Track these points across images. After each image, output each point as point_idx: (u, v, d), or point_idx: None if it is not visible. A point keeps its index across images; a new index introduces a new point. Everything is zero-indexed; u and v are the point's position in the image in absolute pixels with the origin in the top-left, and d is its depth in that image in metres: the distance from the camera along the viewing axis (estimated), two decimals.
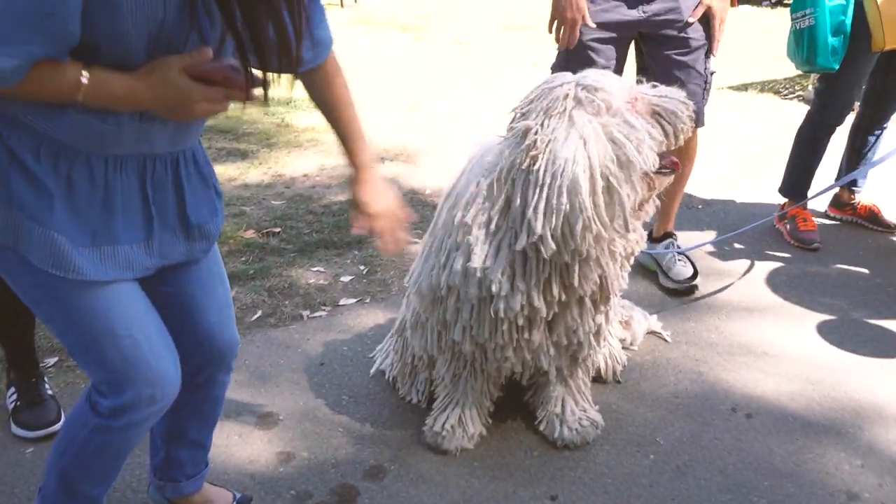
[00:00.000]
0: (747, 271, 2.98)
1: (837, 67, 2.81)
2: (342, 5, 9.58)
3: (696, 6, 2.47)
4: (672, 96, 1.68)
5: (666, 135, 1.66)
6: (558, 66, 2.59)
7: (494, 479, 1.92)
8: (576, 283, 1.70)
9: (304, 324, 2.63)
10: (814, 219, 3.24)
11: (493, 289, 1.69)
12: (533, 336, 1.80)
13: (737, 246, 3.19)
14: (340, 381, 2.31)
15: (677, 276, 2.75)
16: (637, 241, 1.80)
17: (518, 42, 7.39)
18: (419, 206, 3.61)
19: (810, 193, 3.16)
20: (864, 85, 3.08)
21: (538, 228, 1.60)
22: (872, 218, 3.29)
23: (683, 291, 2.74)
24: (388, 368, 2.26)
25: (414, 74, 6.15)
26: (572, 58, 2.48)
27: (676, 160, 1.71)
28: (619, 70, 2.54)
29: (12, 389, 2.12)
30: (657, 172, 1.65)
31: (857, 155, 3.25)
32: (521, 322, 1.75)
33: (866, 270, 2.96)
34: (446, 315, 1.82)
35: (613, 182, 1.58)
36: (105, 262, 1.29)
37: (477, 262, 1.68)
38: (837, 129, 3.13)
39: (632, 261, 1.84)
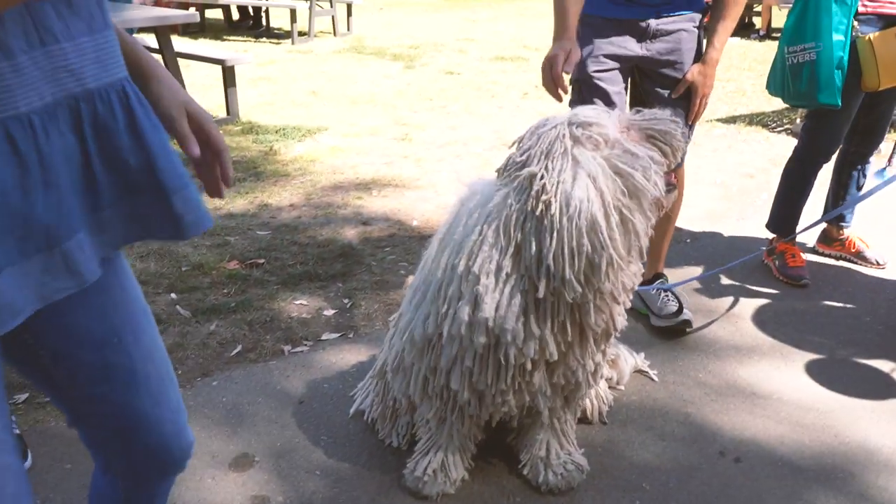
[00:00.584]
0: (736, 308, 2.95)
1: (841, 104, 2.78)
2: (335, 33, 9.64)
3: (680, 82, 2.49)
4: (660, 117, 1.68)
5: (664, 155, 1.66)
6: (573, 102, 2.60)
7: None
8: (592, 321, 1.67)
9: (285, 359, 2.58)
10: (802, 255, 3.22)
11: (508, 338, 1.65)
12: (534, 378, 1.75)
13: (725, 282, 3.16)
14: (319, 420, 2.25)
15: (670, 318, 2.70)
16: (636, 273, 1.77)
17: (509, 72, 7.44)
18: (406, 236, 3.57)
19: (798, 229, 3.14)
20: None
21: (560, 272, 1.57)
22: (860, 255, 3.28)
23: (675, 331, 2.69)
24: (368, 409, 2.20)
25: (405, 103, 6.16)
26: (584, 89, 2.48)
27: (674, 179, 1.72)
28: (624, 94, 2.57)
29: None
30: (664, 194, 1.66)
31: (843, 190, 3.25)
32: (528, 366, 1.71)
33: (855, 307, 2.94)
34: (440, 362, 1.77)
35: (626, 213, 1.57)
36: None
37: (489, 311, 1.64)
38: (824, 164, 3.13)
39: (631, 295, 1.81)
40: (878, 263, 3.25)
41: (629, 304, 1.79)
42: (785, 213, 3.22)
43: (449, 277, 1.74)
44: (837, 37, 2.73)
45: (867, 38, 2.72)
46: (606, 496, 1.95)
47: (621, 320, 1.78)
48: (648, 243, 1.69)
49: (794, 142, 3.32)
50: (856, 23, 2.76)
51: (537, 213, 1.57)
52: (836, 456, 2.12)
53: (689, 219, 3.82)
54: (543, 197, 1.55)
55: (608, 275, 1.58)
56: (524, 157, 1.63)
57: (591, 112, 1.64)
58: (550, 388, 1.81)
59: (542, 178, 1.56)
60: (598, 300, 1.64)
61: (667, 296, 2.75)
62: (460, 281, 1.70)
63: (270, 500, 1.93)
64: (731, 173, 4.55)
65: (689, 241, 3.58)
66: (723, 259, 3.34)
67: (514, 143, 1.68)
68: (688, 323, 2.68)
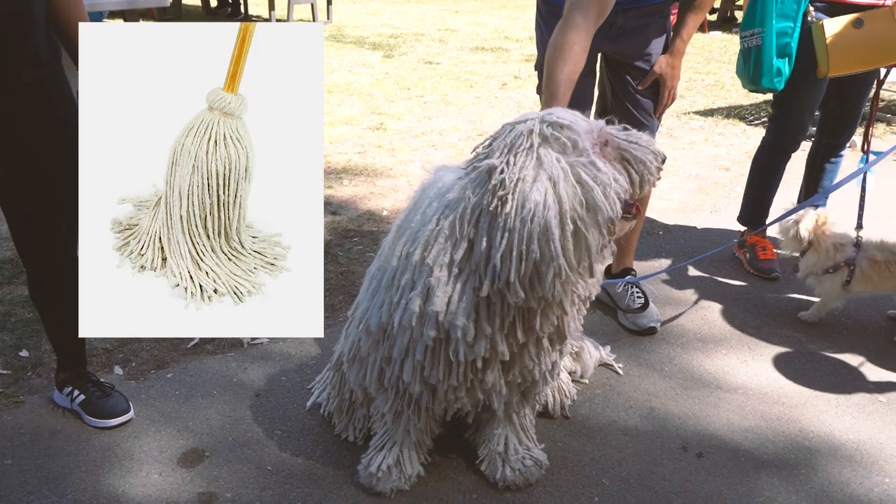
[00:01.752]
0: (704, 301, 2.91)
1: (781, 88, 2.81)
2: (314, 21, 9.51)
3: (647, 74, 2.44)
4: (642, 143, 1.59)
5: (632, 183, 1.57)
6: (539, 88, 2.55)
7: None
8: (537, 327, 1.61)
9: (244, 351, 2.51)
10: (773, 249, 3.19)
11: (458, 334, 1.59)
12: (487, 376, 1.70)
13: (694, 274, 3.13)
14: (275, 414, 2.18)
15: (635, 319, 2.64)
16: (595, 284, 1.71)
17: (488, 63, 7.37)
18: (375, 226, 3.51)
19: (768, 221, 3.11)
20: (817, 112, 3.06)
21: (505, 275, 1.50)
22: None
23: (641, 333, 2.65)
24: (325, 402, 2.14)
25: (382, 93, 6.08)
26: None
27: (636, 204, 1.61)
28: (592, 73, 2.49)
29: (69, 388, 2.14)
30: (621, 218, 1.56)
31: (814, 184, 3.22)
32: (479, 364, 1.66)
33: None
34: (393, 352, 1.72)
35: (581, 226, 1.49)
36: None
37: (440, 305, 1.58)
38: (794, 156, 3.10)
39: (588, 304, 1.75)
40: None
41: (584, 312, 1.74)
42: (754, 204, 3.20)
43: (403, 266, 1.69)
44: (785, 23, 2.73)
45: (820, 23, 2.71)
46: (565, 492, 1.91)
47: (576, 326, 1.73)
48: (601, 263, 1.62)
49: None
50: (812, 9, 2.75)
51: (491, 208, 1.50)
52: (799, 451, 2.08)
53: (663, 211, 3.79)
54: (500, 192, 1.49)
55: (554, 284, 1.51)
56: (489, 149, 1.57)
57: (568, 115, 1.57)
58: (506, 386, 1.76)
59: (501, 172, 1.50)
60: (545, 307, 1.59)
61: (634, 291, 2.70)
62: (414, 270, 1.64)
63: (218, 496, 1.86)
64: (707, 166, 4.52)
65: (661, 233, 3.55)
66: (695, 252, 3.31)
67: (486, 137, 1.62)
68: (653, 330, 2.63)
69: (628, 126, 1.62)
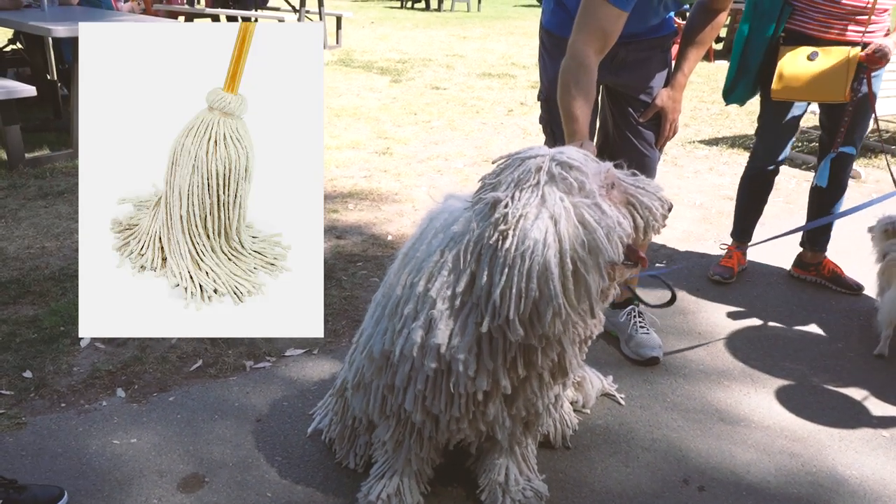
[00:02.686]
0: (708, 332, 2.91)
1: (740, 104, 3.11)
2: (324, 46, 9.63)
3: (649, 107, 2.47)
4: (649, 189, 1.59)
5: (636, 229, 1.57)
6: (542, 118, 2.61)
7: None
8: (538, 363, 1.62)
9: (246, 375, 2.51)
10: (744, 260, 3.42)
11: (459, 368, 1.59)
12: (489, 409, 1.70)
13: (698, 304, 3.13)
14: (276, 439, 2.18)
15: (638, 349, 2.65)
16: (596, 324, 1.72)
17: (495, 89, 7.44)
18: (379, 251, 3.53)
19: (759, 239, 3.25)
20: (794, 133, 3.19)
21: (505, 311, 1.50)
22: (836, 279, 3.26)
23: (644, 363, 2.65)
24: (326, 429, 2.14)
25: (388, 117, 6.14)
26: (553, 108, 2.44)
27: (643, 256, 1.60)
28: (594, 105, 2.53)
29: None
30: (622, 264, 1.56)
31: (813, 211, 3.30)
32: (480, 397, 1.66)
33: (828, 334, 2.91)
34: (395, 380, 1.72)
35: (581, 267, 1.48)
36: None
37: (441, 338, 1.58)
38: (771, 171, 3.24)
39: (590, 343, 1.76)
40: (856, 288, 3.23)
41: (585, 350, 1.75)
42: (740, 221, 3.38)
43: (407, 295, 1.69)
44: (751, 46, 2.96)
45: (782, 47, 2.91)
46: None
47: (577, 363, 1.73)
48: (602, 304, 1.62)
49: (788, 169, 3.33)
50: (784, 35, 2.93)
51: (492, 242, 1.51)
52: (802, 485, 2.07)
53: (667, 240, 3.79)
54: (501, 227, 1.49)
55: (554, 324, 1.51)
56: (496, 181, 1.58)
57: (578, 156, 1.56)
58: (509, 418, 1.76)
59: (505, 206, 1.50)
60: (546, 345, 1.59)
61: (637, 321, 2.70)
62: (417, 301, 1.65)
63: None
64: (711, 195, 4.53)
65: (665, 262, 3.55)
66: (698, 280, 3.32)
67: (496, 161, 1.63)
68: (656, 360, 2.63)
69: (636, 172, 1.63)
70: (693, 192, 4.56)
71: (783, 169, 3.54)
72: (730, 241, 3.46)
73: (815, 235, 3.28)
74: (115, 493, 1.94)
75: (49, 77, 5.69)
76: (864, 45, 2.84)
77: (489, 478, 1.93)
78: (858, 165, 5.02)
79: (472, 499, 1.95)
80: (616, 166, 1.62)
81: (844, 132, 2.98)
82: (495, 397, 1.69)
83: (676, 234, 3.89)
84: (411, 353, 1.63)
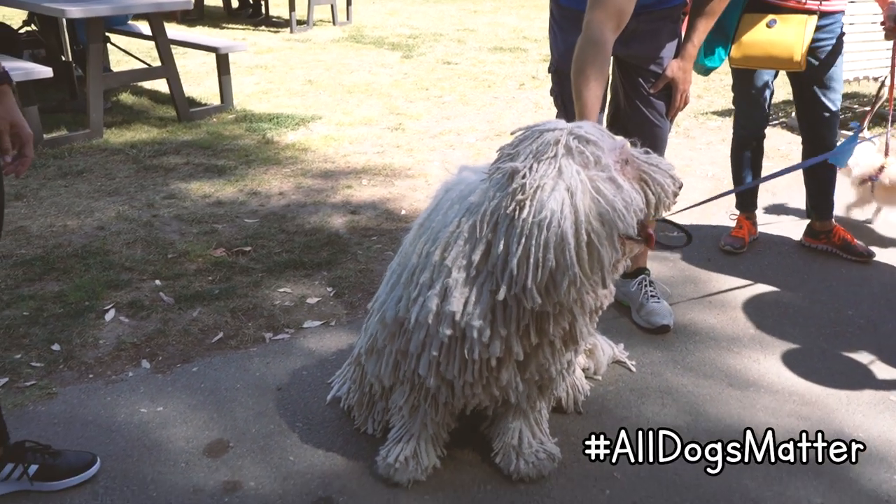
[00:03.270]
0: (717, 299, 2.95)
1: (710, 67, 3.05)
2: (334, 22, 9.61)
3: (659, 78, 2.49)
4: (662, 167, 1.63)
5: (647, 204, 1.61)
6: (553, 91, 2.64)
7: None
8: (550, 330, 1.67)
9: (266, 346, 2.59)
10: (759, 230, 3.45)
11: (474, 335, 1.65)
12: (503, 374, 1.76)
13: (709, 272, 3.16)
14: (296, 407, 2.26)
15: (649, 318, 2.69)
16: (607, 295, 1.76)
17: (506, 63, 7.41)
18: (393, 225, 3.58)
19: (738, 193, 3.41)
20: (766, 100, 3.20)
21: (522, 280, 1.55)
22: (846, 247, 3.27)
23: (654, 331, 2.69)
24: (345, 396, 2.21)
25: (400, 93, 6.15)
26: (564, 79, 2.47)
27: (651, 233, 1.64)
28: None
29: (9, 466, 1.87)
30: (632, 238, 1.60)
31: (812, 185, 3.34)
32: (493, 363, 1.72)
33: (838, 301, 2.93)
34: (410, 346, 1.78)
35: (595, 239, 1.53)
36: None
37: (456, 306, 1.64)
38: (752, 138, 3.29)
39: (601, 312, 1.81)
40: (866, 255, 3.25)
41: (596, 320, 1.79)
42: (734, 184, 3.45)
43: (423, 264, 1.75)
44: (727, 10, 2.85)
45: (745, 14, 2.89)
46: (577, 485, 1.96)
47: (587, 332, 1.78)
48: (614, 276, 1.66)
49: (788, 135, 3.35)
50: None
51: (509, 211, 1.55)
52: (810, 448, 2.11)
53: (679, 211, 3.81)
54: (519, 196, 1.54)
55: (569, 292, 1.55)
56: (514, 151, 1.62)
57: (595, 131, 1.61)
58: (523, 383, 1.82)
59: (523, 176, 1.55)
60: (558, 312, 1.64)
61: (648, 290, 2.74)
62: (433, 270, 1.70)
63: (242, 484, 1.94)
64: (723, 166, 4.51)
65: (675, 233, 3.57)
66: (709, 251, 3.35)
67: (514, 132, 1.67)
68: (666, 328, 2.67)
69: (649, 150, 1.66)
70: (705, 164, 4.57)
71: (781, 134, 3.57)
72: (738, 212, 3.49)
73: (818, 203, 3.30)
74: (145, 458, 2.03)
75: (64, 58, 5.74)
76: (822, 14, 2.86)
77: (503, 441, 2.00)
78: (871, 134, 4.99)
79: (487, 461, 2.02)
80: (631, 143, 1.65)
81: (871, 111, 2.96)
82: (508, 363, 1.74)
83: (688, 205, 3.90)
84: (426, 320, 1.69)
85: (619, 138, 1.66)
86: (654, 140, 2.62)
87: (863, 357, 2.55)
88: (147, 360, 2.49)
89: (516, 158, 1.59)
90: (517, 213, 1.54)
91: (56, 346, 2.53)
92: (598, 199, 1.52)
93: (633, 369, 2.46)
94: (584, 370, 2.32)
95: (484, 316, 1.64)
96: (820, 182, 3.26)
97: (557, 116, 2.70)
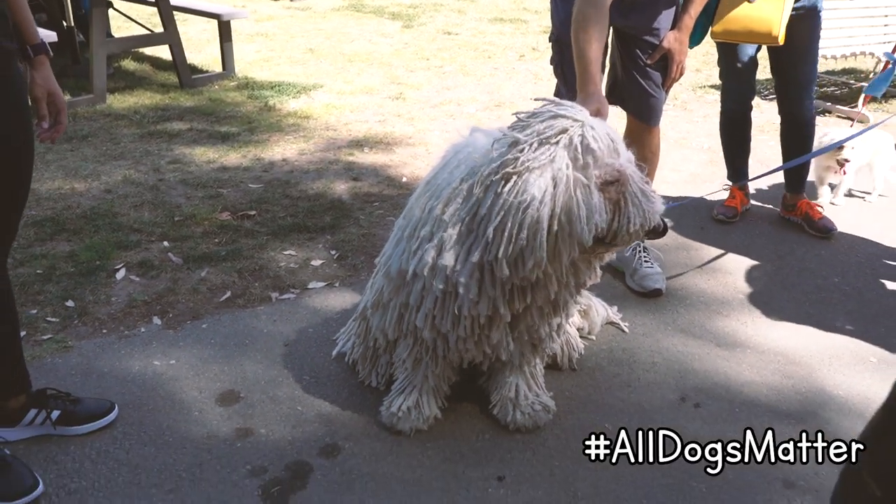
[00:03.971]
0: (709, 266, 3.04)
1: (694, 44, 3.04)
2: None
3: (656, 49, 2.54)
4: (645, 205, 1.63)
5: (608, 229, 1.63)
6: (553, 60, 2.71)
7: (446, 460, 1.97)
8: (528, 300, 1.77)
9: (272, 305, 2.68)
10: (751, 201, 3.55)
11: (461, 291, 1.74)
12: (493, 333, 1.85)
13: (701, 238, 3.26)
14: (303, 362, 2.36)
15: (642, 282, 2.79)
16: (591, 276, 1.85)
17: (506, 34, 7.42)
18: (395, 192, 3.65)
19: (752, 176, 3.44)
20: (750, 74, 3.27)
21: (495, 250, 1.65)
22: (808, 220, 3.36)
23: (647, 295, 2.79)
24: (350, 351, 2.31)
25: (401, 62, 6.17)
26: (565, 49, 2.53)
27: (664, 223, 1.70)
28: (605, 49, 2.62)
29: (33, 412, 1.94)
30: (603, 245, 1.67)
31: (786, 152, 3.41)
32: (482, 321, 1.81)
33: (824, 269, 3.03)
34: (410, 299, 1.87)
35: (559, 233, 1.62)
36: None
37: (449, 260, 1.73)
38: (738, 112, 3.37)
39: (583, 292, 1.90)
40: (824, 231, 3.29)
41: (580, 294, 1.89)
42: (728, 162, 3.54)
43: (425, 219, 1.83)
44: None
45: None
46: (570, 435, 2.07)
47: (571, 302, 1.88)
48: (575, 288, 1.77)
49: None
50: None
51: (496, 178, 1.63)
52: (791, 403, 2.23)
53: (674, 182, 3.90)
54: (509, 168, 1.61)
55: (533, 272, 1.64)
56: (526, 122, 1.67)
57: (603, 140, 1.62)
58: (514, 342, 1.91)
59: (520, 150, 1.62)
60: (535, 288, 1.73)
61: (642, 255, 2.84)
62: (433, 224, 1.79)
63: (254, 431, 2.05)
64: (719, 139, 4.59)
65: (670, 203, 3.65)
66: (703, 221, 3.44)
67: (538, 99, 1.72)
68: (659, 292, 2.77)
69: (649, 180, 1.70)
70: (701, 136, 4.64)
71: (773, 107, 3.64)
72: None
73: (790, 177, 3.38)
74: (160, 407, 2.13)
75: (66, 24, 5.75)
76: None
77: (501, 394, 2.10)
78: (867, 110, 5.06)
79: (485, 413, 2.13)
80: (639, 167, 1.67)
81: None
82: (498, 323, 1.83)
83: (683, 177, 3.99)
84: (423, 272, 1.78)
85: (626, 156, 1.67)
86: (649, 110, 2.70)
87: (846, 321, 2.66)
88: (158, 316, 2.58)
89: (525, 130, 1.66)
90: (503, 185, 1.62)
91: (70, 303, 2.62)
92: (573, 197, 1.59)
93: (626, 330, 2.56)
94: (578, 330, 2.42)
95: (471, 274, 1.72)
96: (793, 156, 3.32)
97: (557, 86, 2.77)
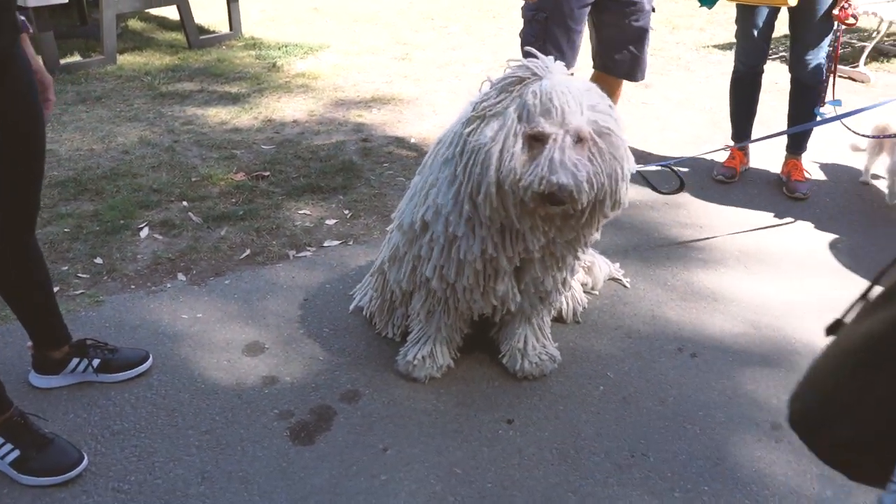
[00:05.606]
0: (708, 225, 3.16)
1: (709, 7, 3.32)
2: None
3: None
4: (550, 169, 1.64)
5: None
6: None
7: (458, 405, 2.12)
8: (518, 248, 1.87)
9: (290, 262, 2.81)
10: (750, 162, 3.64)
11: (450, 228, 1.86)
12: (498, 285, 1.98)
13: (700, 199, 3.37)
14: (322, 315, 2.50)
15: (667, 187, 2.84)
16: (589, 234, 1.94)
17: None
18: (404, 152, 3.75)
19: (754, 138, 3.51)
20: (764, 35, 3.33)
21: (464, 190, 1.79)
22: (785, 181, 3.47)
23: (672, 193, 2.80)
24: (367, 305, 2.44)
25: (406, 23, 6.20)
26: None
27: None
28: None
29: (75, 361, 2.08)
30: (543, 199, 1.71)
31: (791, 122, 3.48)
32: (488, 271, 1.93)
33: (821, 228, 3.15)
34: (421, 251, 2.00)
35: (500, 177, 1.72)
36: None
37: (441, 198, 1.86)
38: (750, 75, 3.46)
39: (587, 249, 2.06)
40: (794, 194, 3.38)
41: (581, 249, 1.99)
42: (733, 123, 3.64)
43: (434, 169, 1.95)
44: None
45: None
46: (574, 382, 2.22)
47: (571, 258, 2.00)
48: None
49: (787, 69, 3.48)
50: None
51: (464, 122, 1.80)
52: (781, 354, 2.37)
53: (675, 143, 3.99)
54: (478, 111, 1.76)
55: (486, 206, 1.75)
56: (506, 76, 1.80)
57: (569, 98, 1.68)
58: (521, 294, 2.04)
59: (486, 97, 1.77)
60: (511, 233, 1.85)
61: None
62: (439, 170, 1.91)
63: (279, 379, 2.20)
64: (721, 100, 4.62)
65: (673, 163, 3.75)
66: (704, 181, 3.54)
67: (529, 57, 1.83)
68: (683, 183, 2.71)
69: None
70: (703, 97, 4.71)
71: (783, 70, 3.70)
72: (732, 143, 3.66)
73: (791, 137, 3.48)
74: (191, 356, 2.28)
75: None
76: None
77: (510, 344, 2.24)
78: (868, 69, 5.12)
79: (495, 362, 2.27)
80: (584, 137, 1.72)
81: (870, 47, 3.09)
82: (502, 275, 1.96)
83: (685, 137, 4.08)
84: (428, 218, 1.92)
85: (577, 118, 1.68)
86: (636, 38, 2.87)
87: (840, 277, 2.79)
88: (182, 273, 2.72)
89: (501, 82, 1.79)
90: (468, 128, 1.77)
91: (98, 260, 2.75)
92: (505, 144, 1.71)
93: (628, 286, 2.70)
94: (583, 285, 2.56)
95: (460, 213, 1.84)
96: (798, 122, 3.40)
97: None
